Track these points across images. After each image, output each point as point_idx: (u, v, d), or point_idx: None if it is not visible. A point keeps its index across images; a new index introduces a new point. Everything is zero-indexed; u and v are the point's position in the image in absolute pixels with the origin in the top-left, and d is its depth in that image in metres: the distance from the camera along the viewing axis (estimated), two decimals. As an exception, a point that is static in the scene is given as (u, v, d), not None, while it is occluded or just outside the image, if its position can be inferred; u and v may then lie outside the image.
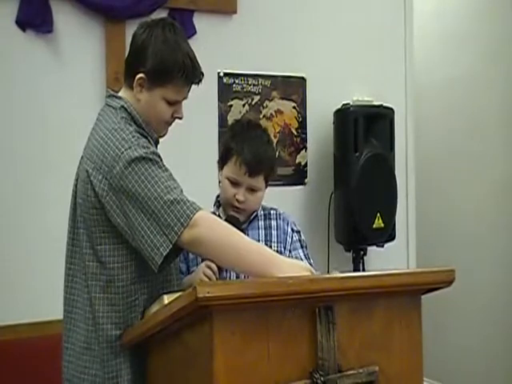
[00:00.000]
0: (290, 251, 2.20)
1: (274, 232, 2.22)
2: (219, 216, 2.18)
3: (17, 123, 2.91)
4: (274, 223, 2.24)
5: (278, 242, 2.20)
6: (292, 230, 2.25)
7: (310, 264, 2.08)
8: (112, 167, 1.76)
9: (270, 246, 2.13)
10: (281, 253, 2.12)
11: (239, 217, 2.16)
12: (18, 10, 2.89)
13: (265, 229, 2.22)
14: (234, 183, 2.15)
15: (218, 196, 2.27)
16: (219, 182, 2.24)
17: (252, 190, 2.15)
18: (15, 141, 2.90)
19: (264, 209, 2.27)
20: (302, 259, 2.15)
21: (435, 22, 4.79)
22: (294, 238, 2.24)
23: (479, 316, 4.46)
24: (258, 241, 2.14)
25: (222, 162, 2.19)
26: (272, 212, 2.27)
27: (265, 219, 2.24)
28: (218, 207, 2.25)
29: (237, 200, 2.14)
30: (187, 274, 2.14)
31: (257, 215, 2.23)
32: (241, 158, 2.11)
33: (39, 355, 2.74)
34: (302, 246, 2.25)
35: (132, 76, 1.90)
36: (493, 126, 4.39)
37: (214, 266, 2.01)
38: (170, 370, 1.69)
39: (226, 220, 2.10)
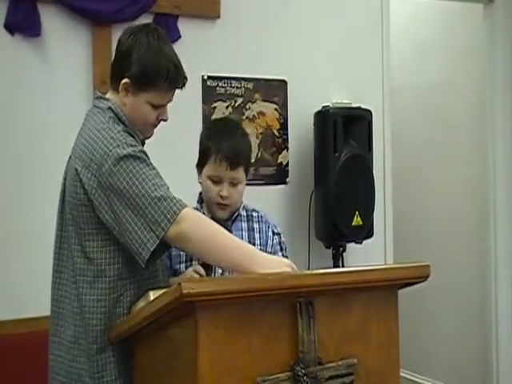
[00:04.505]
0: (270, 253, 2.20)
1: (256, 235, 2.26)
2: (203, 213, 2.21)
3: (4, 126, 2.93)
4: (256, 226, 2.27)
5: (260, 245, 2.23)
6: (273, 232, 2.29)
7: None
8: (101, 165, 1.79)
9: None
10: None
11: (223, 214, 2.19)
12: (7, 13, 2.90)
13: (248, 231, 2.25)
14: (216, 181, 2.17)
15: (201, 193, 2.29)
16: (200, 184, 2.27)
17: (234, 184, 2.18)
18: (0, 142, 2.92)
19: (246, 209, 2.30)
20: None
21: (410, 29, 4.87)
22: (275, 241, 2.28)
23: (452, 310, 4.55)
24: None
25: (201, 163, 2.22)
26: (254, 214, 2.30)
27: (247, 221, 2.27)
28: (201, 204, 2.27)
29: (221, 196, 2.17)
30: (170, 270, 2.16)
31: (239, 214, 2.26)
32: (220, 154, 2.14)
33: (25, 352, 2.74)
34: (281, 249, 2.29)
35: (117, 80, 1.94)
36: (465, 128, 4.46)
37: (201, 270, 2.04)
38: (156, 363, 1.71)
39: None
